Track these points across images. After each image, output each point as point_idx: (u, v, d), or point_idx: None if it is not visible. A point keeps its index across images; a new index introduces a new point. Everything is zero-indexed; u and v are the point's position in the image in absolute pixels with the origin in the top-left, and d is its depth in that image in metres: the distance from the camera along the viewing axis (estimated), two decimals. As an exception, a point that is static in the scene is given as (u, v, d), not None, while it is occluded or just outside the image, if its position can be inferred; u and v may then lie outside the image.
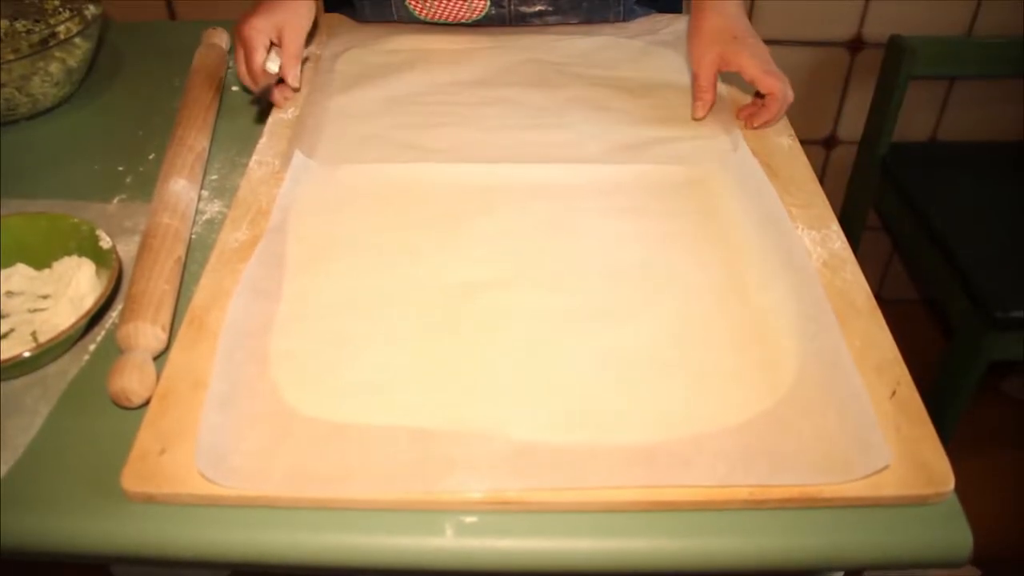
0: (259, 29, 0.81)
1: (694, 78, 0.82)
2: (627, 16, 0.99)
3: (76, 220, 0.64)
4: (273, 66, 0.82)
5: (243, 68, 0.82)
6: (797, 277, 0.61)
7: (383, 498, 0.49)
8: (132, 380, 0.53)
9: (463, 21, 0.96)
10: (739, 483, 0.48)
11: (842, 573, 0.56)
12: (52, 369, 0.58)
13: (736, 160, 0.74)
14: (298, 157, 0.74)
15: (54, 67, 0.84)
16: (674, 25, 0.98)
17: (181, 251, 0.65)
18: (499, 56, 0.91)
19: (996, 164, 1.48)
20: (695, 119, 0.81)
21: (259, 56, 0.80)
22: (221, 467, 0.49)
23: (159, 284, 0.60)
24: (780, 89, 0.79)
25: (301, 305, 0.61)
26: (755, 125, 0.81)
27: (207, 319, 0.59)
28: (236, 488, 0.49)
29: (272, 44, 0.82)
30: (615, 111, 0.82)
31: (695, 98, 0.82)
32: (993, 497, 1.39)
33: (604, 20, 0.99)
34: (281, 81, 0.84)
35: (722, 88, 0.85)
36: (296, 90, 0.85)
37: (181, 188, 0.70)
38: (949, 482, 0.49)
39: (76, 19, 0.85)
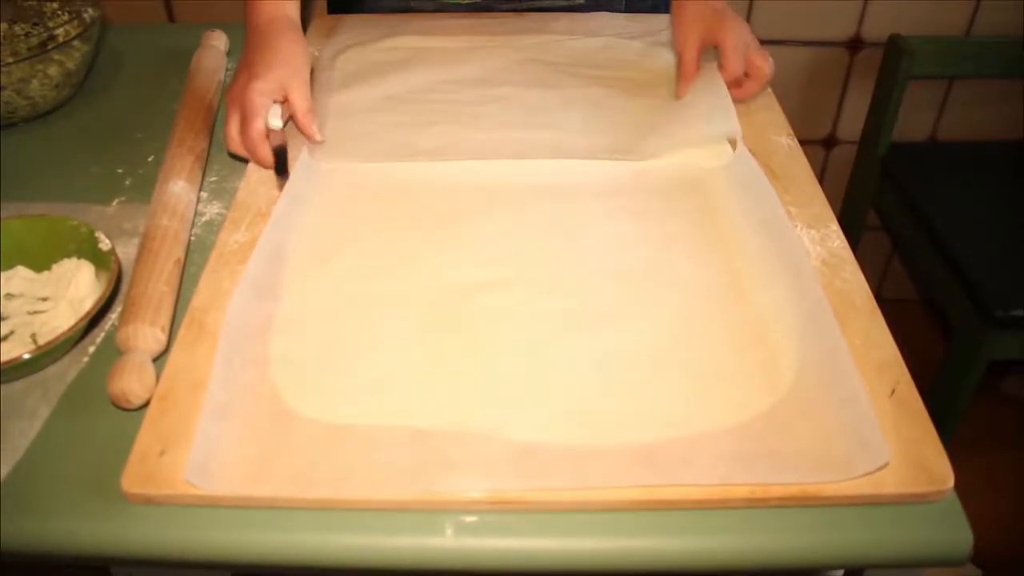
0: (263, 92, 0.72)
1: (678, 57, 0.85)
2: (629, 6, 1.00)
3: (75, 222, 0.64)
4: (276, 121, 0.74)
5: (235, 136, 0.73)
6: (796, 277, 0.61)
7: (383, 498, 0.49)
8: (131, 382, 0.53)
9: (474, 1, 0.97)
10: (739, 482, 0.48)
11: (842, 571, 0.56)
12: (52, 371, 0.58)
13: (735, 159, 0.74)
14: (304, 156, 0.74)
15: (53, 70, 0.84)
16: (673, 25, 0.98)
17: (180, 253, 0.65)
18: (498, 55, 0.91)
19: (995, 163, 1.48)
20: (677, 97, 0.83)
21: (260, 123, 0.72)
22: (212, 477, 0.49)
23: (158, 286, 0.60)
24: (764, 66, 0.82)
25: (300, 306, 0.61)
26: (738, 99, 0.82)
27: (206, 320, 0.59)
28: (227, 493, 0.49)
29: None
30: (614, 110, 0.82)
31: (679, 76, 0.84)
32: (993, 496, 1.39)
33: (609, 7, 0.99)
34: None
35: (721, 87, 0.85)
36: (320, 142, 0.77)
37: (180, 190, 0.70)
38: (949, 480, 0.49)
39: (75, 22, 0.85)
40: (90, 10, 0.87)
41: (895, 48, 1.41)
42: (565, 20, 0.98)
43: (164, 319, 0.59)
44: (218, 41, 0.94)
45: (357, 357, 0.57)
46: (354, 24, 0.99)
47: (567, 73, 0.88)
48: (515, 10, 1.00)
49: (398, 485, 0.49)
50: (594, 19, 0.99)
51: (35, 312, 0.62)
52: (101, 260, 0.63)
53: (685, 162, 0.75)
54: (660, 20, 0.99)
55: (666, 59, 0.91)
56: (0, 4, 0.89)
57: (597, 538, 0.48)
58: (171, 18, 1.46)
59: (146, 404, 0.54)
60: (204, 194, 0.75)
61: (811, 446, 0.50)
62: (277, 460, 0.50)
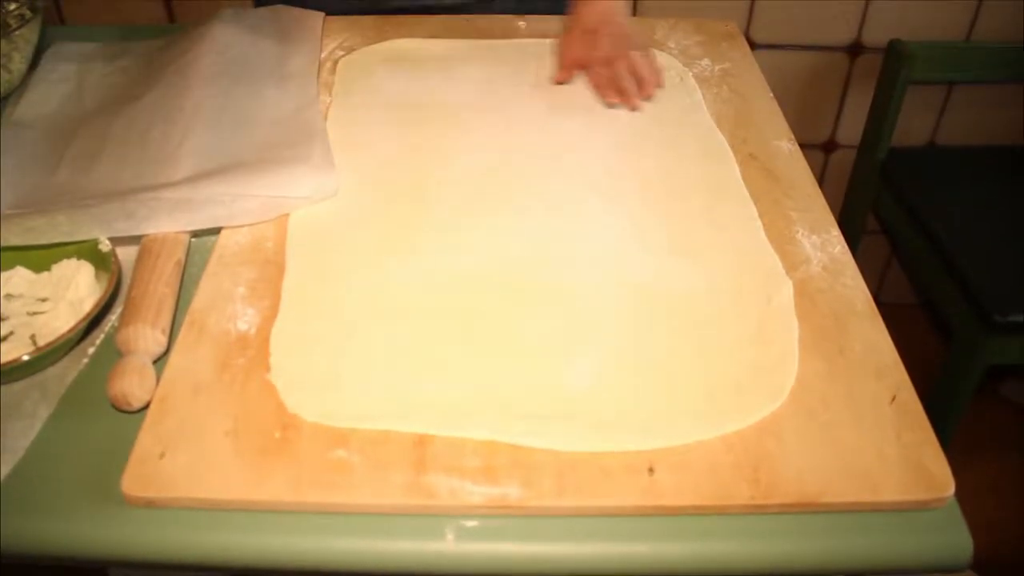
0: None
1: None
2: None
3: (76, 223, 0.64)
4: None
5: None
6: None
7: (384, 502, 0.49)
8: (132, 383, 0.53)
9: (455, 3, 0.99)
10: (739, 487, 0.48)
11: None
12: (51, 372, 0.58)
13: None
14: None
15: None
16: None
17: (181, 254, 0.65)
18: (496, 59, 0.91)
19: (994, 168, 1.48)
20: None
21: None
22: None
23: (159, 287, 0.60)
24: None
25: (301, 309, 0.61)
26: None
27: (206, 322, 0.59)
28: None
29: None
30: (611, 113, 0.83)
31: None
32: (993, 502, 1.39)
33: None
34: None
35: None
36: None
37: (181, 191, 0.70)
38: (949, 487, 0.49)
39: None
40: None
41: (895, 53, 1.41)
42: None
43: (164, 321, 0.59)
44: (219, 42, 0.94)
45: (358, 361, 0.57)
46: (351, 27, 0.99)
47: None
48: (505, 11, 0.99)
49: (399, 489, 0.49)
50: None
51: (35, 313, 0.62)
52: (101, 261, 0.63)
53: (683, 160, 0.75)
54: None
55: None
56: None
57: (597, 543, 0.48)
58: (171, 19, 1.46)
59: (146, 406, 0.54)
60: (205, 196, 0.75)
61: (812, 451, 0.50)
62: (278, 463, 0.50)
